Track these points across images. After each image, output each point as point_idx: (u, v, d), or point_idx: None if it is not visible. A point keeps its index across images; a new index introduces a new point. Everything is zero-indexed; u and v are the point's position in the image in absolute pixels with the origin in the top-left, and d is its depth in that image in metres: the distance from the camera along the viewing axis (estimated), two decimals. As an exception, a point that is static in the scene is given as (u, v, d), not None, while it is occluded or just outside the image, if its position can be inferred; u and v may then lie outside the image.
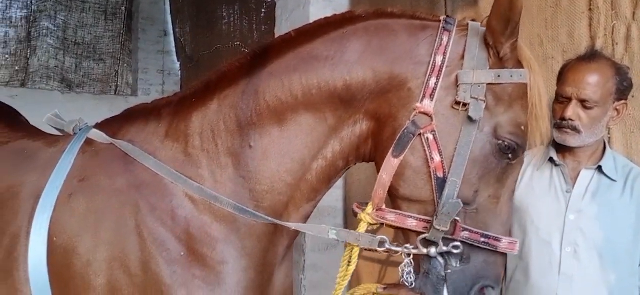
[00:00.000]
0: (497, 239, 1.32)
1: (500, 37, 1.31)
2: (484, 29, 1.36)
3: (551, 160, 1.87)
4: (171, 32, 5.73)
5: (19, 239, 1.52)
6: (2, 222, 1.57)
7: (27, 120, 2.18)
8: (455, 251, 1.32)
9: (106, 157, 1.56)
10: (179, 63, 5.71)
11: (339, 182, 3.26)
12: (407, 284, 1.38)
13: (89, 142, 1.62)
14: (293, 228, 1.48)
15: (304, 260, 3.26)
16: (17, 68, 5.29)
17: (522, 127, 1.34)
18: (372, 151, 1.43)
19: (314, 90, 1.41)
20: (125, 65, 5.69)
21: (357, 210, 1.45)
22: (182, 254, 1.43)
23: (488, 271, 1.35)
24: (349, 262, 1.51)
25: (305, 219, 1.57)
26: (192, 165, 1.48)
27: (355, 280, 3.07)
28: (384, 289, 1.90)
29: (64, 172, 1.56)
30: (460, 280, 1.34)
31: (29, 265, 1.49)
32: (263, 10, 4.21)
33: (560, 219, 1.79)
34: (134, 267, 1.42)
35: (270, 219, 1.45)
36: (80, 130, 1.69)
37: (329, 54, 1.41)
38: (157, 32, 5.71)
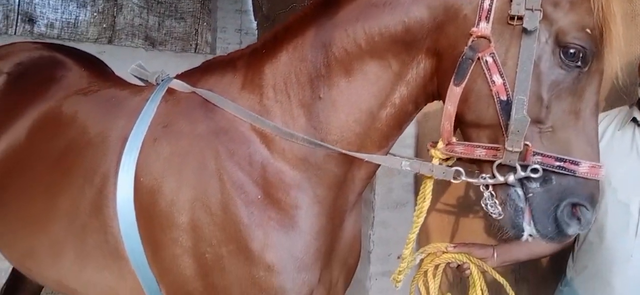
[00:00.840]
0: (575, 163, 1.26)
1: None
2: None
3: (634, 120, 1.78)
4: (249, -9, 5.84)
5: (108, 178, 1.66)
6: (93, 163, 1.70)
7: (113, 72, 2.33)
8: (534, 175, 1.27)
9: (187, 105, 1.65)
10: (255, 22, 5.81)
11: (411, 140, 3.25)
12: (493, 215, 1.35)
13: (170, 91, 1.72)
14: (366, 159, 1.50)
15: (373, 217, 3.29)
16: (104, 26, 5.56)
17: (588, 30, 1.27)
18: (438, 88, 1.42)
19: (376, 38, 1.42)
20: (205, 24, 5.85)
21: (429, 148, 1.46)
22: (259, 197, 1.51)
23: (577, 189, 1.28)
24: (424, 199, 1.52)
25: (377, 167, 1.60)
26: (267, 116, 1.54)
27: (425, 240, 3.08)
28: (454, 247, 1.91)
29: (148, 118, 1.67)
30: (544, 201, 1.30)
31: (117, 202, 1.62)
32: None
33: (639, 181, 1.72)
34: (214, 207, 1.51)
35: (344, 150, 1.48)
36: (162, 80, 1.80)
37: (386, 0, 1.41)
38: (235, -9, 5.85)
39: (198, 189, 1.54)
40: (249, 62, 1.63)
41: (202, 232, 1.52)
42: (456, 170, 1.41)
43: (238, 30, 5.87)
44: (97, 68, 2.24)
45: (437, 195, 3.09)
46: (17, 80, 2.11)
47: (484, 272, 1.89)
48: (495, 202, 1.36)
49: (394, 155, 1.58)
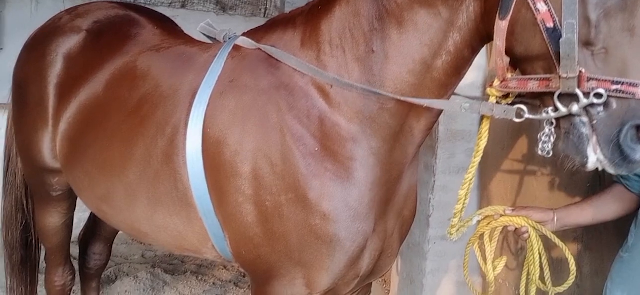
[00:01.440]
0: (634, 85, 1.19)
1: None
2: None
3: None
4: (317, -46, 5.84)
5: (179, 130, 1.76)
6: (165, 115, 1.82)
7: (182, 30, 2.44)
8: (597, 101, 1.22)
9: (252, 61, 1.73)
10: (323, -15, 5.83)
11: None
12: (542, 154, 1.33)
13: (236, 48, 1.80)
14: (425, 105, 1.51)
15: (434, 181, 3.29)
16: (178, -10, 5.73)
17: None
18: (490, 27, 1.39)
19: None
20: (274, -12, 5.93)
21: (488, 87, 1.46)
22: (316, 149, 1.57)
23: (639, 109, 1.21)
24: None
25: (436, 118, 1.61)
26: (324, 70, 1.59)
27: (486, 203, 3.06)
28: (513, 210, 1.90)
29: (216, 74, 1.76)
30: (607, 125, 1.24)
31: (187, 152, 1.72)
32: None
33: None
34: (274, 158, 1.59)
35: (401, 97, 1.50)
36: (229, 38, 1.88)
37: None
38: (304, -45, 5.87)
39: (260, 140, 1.62)
40: (308, 19, 1.67)
41: (263, 181, 1.61)
42: (518, 108, 1.38)
43: (307, -7, 5.92)
44: (168, 26, 2.36)
45: (498, 160, 3.05)
46: (95, 36, 2.25)
47: (543, 237, 1.87)
48: (549, 139, 1.33)
49: (457, 95, 1.59)
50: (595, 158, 1.27)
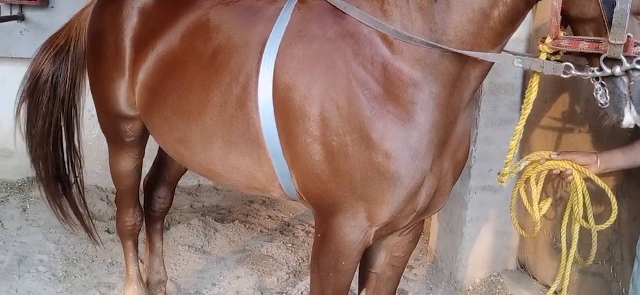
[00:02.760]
0: None
1: None
2: None
3: None
4: None
5: (251, 77, 1.90)
6: (238, 63, 1.95)
7: None
8: (639, 66, 1.38)
9: (318, 12, 1.85)
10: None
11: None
12: (601, 104, 1.48)
13: (302, 1, 1.92)
14: (479, 57, 1.64)
15: (477, 133, 3.39)
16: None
17: None
18: None
19: None
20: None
21: (539, 44, 1.59)
22: (380, 93, 1.69)
23: None
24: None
25: (490, 65, 1.73)
26: (388, 20, 1.71)
27: (528, 153, 3.17)
28: (558, 155, 2.01)
29: (284, 25, 1.88)
30: None
31: (259, 97, 1.86)
32: None
33: None
34: (341, 101, 1.72)
35: (457, 50, 1.62)
36: (295, -9, 2.01)
37: None
38: None
39: (327, 85, 1.75)
40: None
41: (330, 122, 1.74)
42: (566, 66, 1.52)
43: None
44: None
45: (541, 112, 3.15)
46: None
47: (586, 180, 1.99)
48: (605, 92, 1.47)
49: (507, 52, 1.71)
50: (630, 116, 1.44)
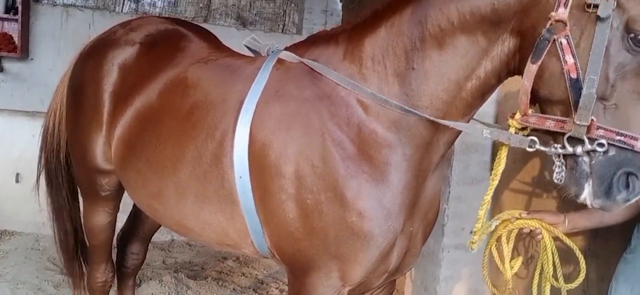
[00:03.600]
0: (634, 138, 1.41)
1: None
2: None
3: None
4: (336, -27, 6.09)
5: (227, 133, 1.92)
6: (215, 120, 1.98)
7: (224, 44, 2.63)
8: (599, 149, 1.44)
9: (296, 73, 1.89)
10: (341, 3, 6.04)
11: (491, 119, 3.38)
12: (556, 181, 1.54)
13: (280, 61, 1.97)
14: (451, 126, 1.70)
15: (449, 191, 3.42)
16: (200, 5, 5.97)
17: None
18: (519, 65, 1.59)
19: (468, 16, 1.60)
20: (293, 5, 6.14)
21: (509, 118, 1.65)
22: (354, 152, 1.73)
23: (634, 160, 1.43)
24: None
25: (458, 133, 1.79)
26: (365, 83, 1.76)
27: (498, 211, 3.22)
28: (527, 214, 2.07)
29: (261, 84, 1.91)
30: (603, 168, 1.46)
31: (234, 153, 1.88)
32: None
33: None
34: (316, 159, 1.75)
35: (432, 117, 1.68)
36: (272, 52, 2.07)
37: None
38: (323, -26, 6.11)
39: (303, 144, 1.78)
40: (350, 36, 1.84)
41: (305, 180, 1.77)
42: (531, 140, 1.59)
43: (324, 11, 6.14)
44: (213, 40, 2.55)
45: (512, 173, 3.22)
46: (148, 49, 2.44)
47: (555, 238, 2.04)
48: (562, 170, 1.54)
49: (477, 121, 1.78)
50: (588, 192, 1.50)
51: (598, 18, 1.41)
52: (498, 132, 1.68)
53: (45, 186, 2.97)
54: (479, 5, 1.58)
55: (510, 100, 3.27)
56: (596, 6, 1.42)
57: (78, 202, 2.98)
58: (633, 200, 1.48)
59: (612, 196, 1.47)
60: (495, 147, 3.63)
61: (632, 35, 1.41)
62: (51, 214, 2.98)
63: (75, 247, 3.01)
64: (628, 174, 1.44)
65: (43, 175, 2.97)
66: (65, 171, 2.88)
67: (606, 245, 2.65)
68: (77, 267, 3.04)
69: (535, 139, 1.58)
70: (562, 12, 1.45)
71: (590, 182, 1.49)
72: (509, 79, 1.72)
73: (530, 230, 2.04)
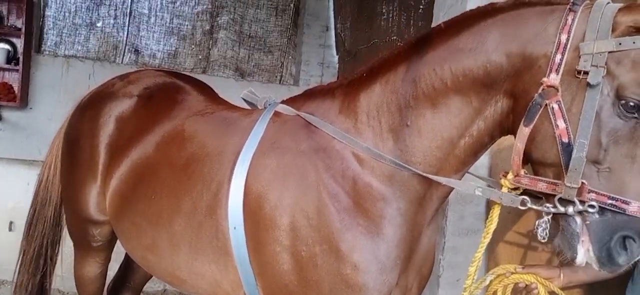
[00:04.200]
0: (626, 202, 1.42)
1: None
2: (611, 4, 1.47)
3: None
4: (332, 27, 6.19)
5: (223, 185, 1.92)
6: (211, 172, 1.99)
7: (219, 96, 2.67)
8: (591, 210, 1.45)
9: (292, 126, 1.91)
10: (337, 56, 6.16)
11: (484, 170, 3.40)
12: (540, 239, 1.55)
13: (277, 114, 1.99)
14: (443, 183, 1.71)
15: (444, 242, 3.42)
16: (200, 57, 6.07)
17: None
18: (513, 125, 1.62)
19: (461, 78, 1.63)
20: (290, 57, 6.26)
21: (501, 177, 1.66)
22: (350, 205, 1.73)
23: (630, 223, 1.44)
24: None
25: (452, 188, 1.80)
26: (360, 137, 1.78)
27: (494, 264, 3.21)
28: (523, 268, 2.06)
29: (258, 136, 1.93)
30: (600, 230, 1.47)
31: (229, 205, 1.88)
32: (421, 7, 4.42)
33: None
34: (311, 212, 1.75)
35: (426, 173, 1.70)
36: (269, 105, 2.10)
37: (472, 45, 1.62)
38: (319, 28, 6.21)
39: (298, 196, 1.79)
40: (347, 91, 1.88)
41: (300, 232, 1.76)
42: (523, 199, 1.60)
43: (320, 63, 6.25)
44: (209, 93, 2.59)
45: (507, 224, 3.22)
46: (145, 101, 2.48)
47: (551, 293, 2.03)
48: (545, 228, 1.55)
49: (473, 175, 1.79)
50: (583, 254, 1.51)
51: (588, 84, 1.44)
52: (490, 191, 1.70)
53: (25, 233, 2.96)
54: (472, 67, 1.61)
55: (504, 152, 3.31)
56: (587, 73, 1.45)
57: (55, 261, 2.97)
58: (631, 262, 1.48)
59: (614, 261, 1.47)
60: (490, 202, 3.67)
61: (623, 101, 1.43)
62: (20, 261, 2.95)
63: None
64: (624, 238, 1.45)
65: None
66: (53, 224, 2.87)
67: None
68: None
69: (527, 198, 1.59)
70: (553, 78, 1.48)
71: (586, 245, 1.49)
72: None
73: (526, 285, 2.02)
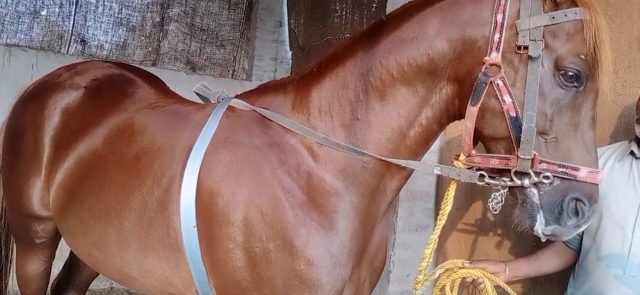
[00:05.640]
0: (576, 169, 1.50)
1: None
2: None
3: (632, 153, 2.02)
4: (286, 22, 6.15)
5: (174, 180, 1.90)
6: (162, 167, 1.95)
7: (170, 89, 2.62)
8: (545, 181, 1.52)
9: (246, 121, 1.90)
10: (291, 52, 6.12)
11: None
12: (493, 211, 1.61)
13: (230, 108, 1.98)
14: (402, 164, 1.75)
15: (395, 238, 3.48)
16: (149, 49, 5.90)
17: (582, 56, 1.53)
18: (459, 109, 1.67)
19: (406, 67, 1.68)
20: (243, 52, 6.17)
21: (453, 160, 1.71)
22: (304, 200, 1.74)
23: (579, 187, 1.52)
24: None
25: (405, 179, 1.84)
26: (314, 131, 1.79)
27: (443, 259, 3.29)
28: (470, 263, 2.12)
29: (211, 131, 1.91)
30: (551, 196, 1.54)
31: (181, 200, 1.85)
32: (374, 5, 4.47)
33: (635, 207, 1.94)
34: (265, 207, 1.75)
35: (382, 157, 1.73)
36: (223, 99, 2.07)
37: (414, 34, 1.68)
38: (273, 23, 6.16)
39: (253, 191, 1.78)
40: (298, 86, 1.89)
41: (254, 228, 1.76)
42: (480, 174, 1.64)
43: (274, 59, 6.20)
44: (160, 86, 2.54)
45: (454, 220, 3.31)
46: (93, 93, 2.40)
47: (496, 287, 2.10)
48: (500, 201, 1.61)
49: (426, 162, 1.82)
50: (540, 220, 1.57)
51: (530, 57, 1.53)
52: (448, 168, 1.73)
53: None
54: (415, 56, 1.67)
55: (453, 149, 3.39)
56: (526, 48, 1.53)
57: (9, 259, 2.85)
58: (583, 227, 1.56)
59: (563, 222, 1.54)
60: (440, 195, 3.75)
61: (562, 71, 1.53)
62: None
63: None
64: (576, 200, 1.53)
65: None
66: (4, 223, 2.77)
67: (544, 292, 2.73)
68: None
69: (485, 173, 1.64)
70: (495, 56, 1.56)
71: (541, 213, 1.55)
72: (451, 125, 1.80)
73: (473, 280, 2.08)
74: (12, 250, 2.82)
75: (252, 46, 6.20)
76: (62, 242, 2.61)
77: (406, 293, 3.55)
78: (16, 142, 2.48)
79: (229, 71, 6.16)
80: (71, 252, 2.90)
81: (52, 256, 2.69)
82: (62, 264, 3.03)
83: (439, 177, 3.55)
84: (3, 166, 2.62)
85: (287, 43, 6.21)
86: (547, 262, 2.21)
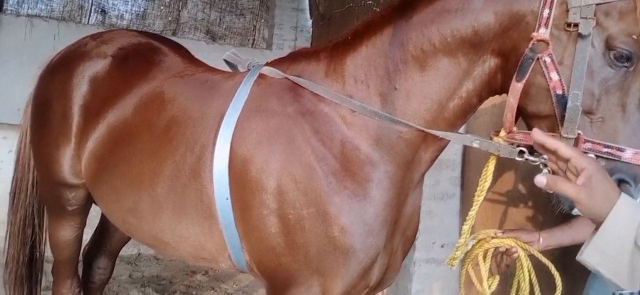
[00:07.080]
0: (621, 149, 1.46)
1: None
2: None
3: None
4: (307, -10, 6.12)
5: (207, 147, 1.90)
6: (194, 135, 1.95)
7: (196, 58, 2.60)
8: None
9: (278, 89, 1.88)
10: (311, 20, 6.08)
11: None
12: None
13: (261, 76, 1.96)
14: (440, 136, 1.72)
15: (421, 206, 3.48)
16: (169, 19, 5.91)
17: (634, 36, 1.48)
18: (501, 84, 1.63)
19: (449, 39, 1.63)
20: (263, 20, 6.15)
21: (492, 136, 1.67)
22: (337, 169, 1.73)
23: (624, 168, 1.47)
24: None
25: (440, 151, 1.81)
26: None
27: (472, 231, 3.26)
28: (503, 233, 2.09)
29: (242, 99, 1.90)
30: None
31: (214, 168, 1.86)
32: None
33: None
34: (299, 175, 1.74)
35: (420, 127, 1.70)
36: (253, 67, 2.06)
37: (458, 5, 1.63)
38: (293, -10, 6.14)
39: (285, 159, 1.77)
40: (332, 54, 1.85)
41: (287, 196, 1.76)
42: (520, 150, 1.60)
43: (294, 27, 6.16)
44: (187, 55, 2.52)
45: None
46: (120, 62, 2.39)
47: (530, 256, 2.07)
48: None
49: (464, 134, 1.81)
50: None
51: (579, 35, 1.48)
52: (488, 142, 1.69)
53: (9, 204, 2.89)
54: (459, 27, 1.62)
55: (480, 118, 3.34)
56: (576, 25, 1.48)
57: (42, 227, 2.90)
58: None
59: None
60: (466, 164, 3.72)
61: (613, 51, 1.48)
62: (8, 233, 2.89)
63: (28, 272, 2.91)
64: (620, 181, 1.48)
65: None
66: (36, 191, 2.80)
67: (575, 261, 2.71)
68: (25, 292, 2.94)
69: (525, 149, 1.60)
70: (543, 32, 1.51)
71: None
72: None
73: (506, 249, 2.06)
74: (44, 218, 2.85)
75: (271, 15, 6.16)
76: (92, 209, 2.65)
77: (432, 260, 3.56)
78: (45, 112, 2.49)
79: (248, 40, 6.15)
80: (101, 219, 2.94)
81: (83, 223, 2.71)
82: (91, 232, 3.07)
83: (465, 146, 3.51)
84: (33, 137, 2.64)
85: (308, 11, 6.16)
86: (581, 231, 2.17)
